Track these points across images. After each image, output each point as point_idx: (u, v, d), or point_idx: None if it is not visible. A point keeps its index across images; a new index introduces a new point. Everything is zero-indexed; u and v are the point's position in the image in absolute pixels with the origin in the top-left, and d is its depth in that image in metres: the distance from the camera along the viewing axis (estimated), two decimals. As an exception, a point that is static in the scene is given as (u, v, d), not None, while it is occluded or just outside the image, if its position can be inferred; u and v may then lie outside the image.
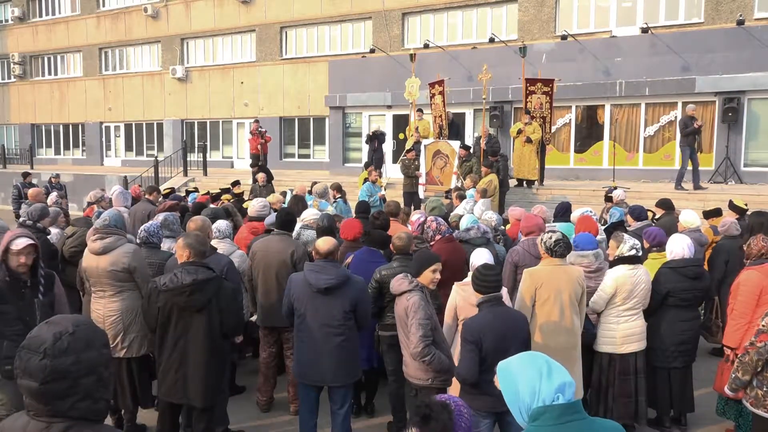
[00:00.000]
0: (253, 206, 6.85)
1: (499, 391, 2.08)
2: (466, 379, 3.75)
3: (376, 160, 15.46)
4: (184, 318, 4.15)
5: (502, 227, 7.13)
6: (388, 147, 18.34)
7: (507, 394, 2.03)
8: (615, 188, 10.13)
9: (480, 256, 4.57)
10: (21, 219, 6.46)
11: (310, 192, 10.09)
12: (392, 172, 15.41)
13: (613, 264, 5.04)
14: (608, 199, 9.36)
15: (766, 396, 3.87)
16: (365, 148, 16.80)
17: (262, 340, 5.58)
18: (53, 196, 8.96)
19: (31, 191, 9.14)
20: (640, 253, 4.95)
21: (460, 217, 6.85)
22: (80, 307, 5.46)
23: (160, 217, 6.02)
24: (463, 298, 4.43)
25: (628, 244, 4.93)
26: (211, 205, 8.00)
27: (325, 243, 4.49)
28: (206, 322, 4.13)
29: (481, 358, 3.70)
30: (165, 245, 5.69)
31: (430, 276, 4.21)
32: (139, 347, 4.91)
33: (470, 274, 4.56)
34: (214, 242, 5.52)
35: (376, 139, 15.72)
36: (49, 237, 6.49)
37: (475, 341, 3.68)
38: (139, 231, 5.40)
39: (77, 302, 5.51)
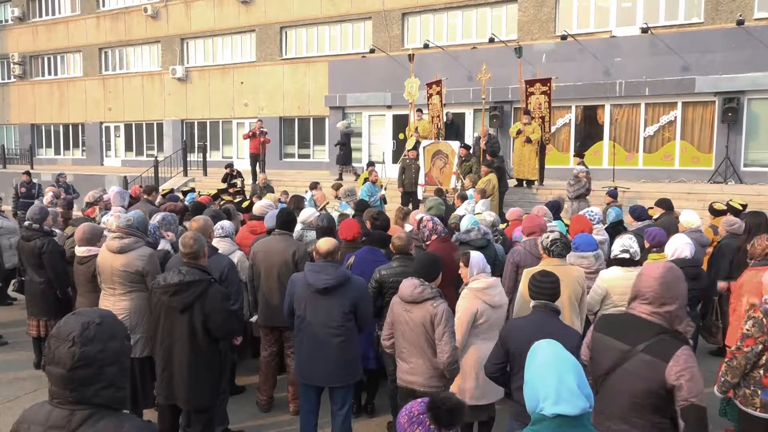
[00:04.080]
0: (260, 204, 6.90)
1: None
2: (485, 370, 3.83)
3: (344, 157, 16.34)
4: (170, 318, 4.17)
5: (500, 227, 7.13)
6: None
7: (526, 379, 2.04)
8: (615, 188, 10.13)
9: (474, 260, 4.50)
10: (27, 222, 6.48)
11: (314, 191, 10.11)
12: (392, 172, 15.42)
13: (609, 265, 5.05)
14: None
15: (753, 395, 3.93)
16: (335, 149, 17.59)
17: (262, 340, 5.58)
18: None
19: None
20: (631, 252, 4.87)
21: (461, 218, 6.84)
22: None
23: (158, 217, 6.02)
24: (484, 302, 4.33)
25: (617, 245, 4.93)
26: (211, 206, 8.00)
27: (325, 243, 4.49)
28: (188, 324, 4.11)
29: (510, 359, 3.70)
30: (160, 245, 5.71)
31: (440, 279, 4.17)
32: (143, 348, 4.92)
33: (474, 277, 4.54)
34: (215, 241, 5.55)
35: (346, 136, 16.46)
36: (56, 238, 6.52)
37: (503, 338, 3.72)
38: None
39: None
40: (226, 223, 5.90)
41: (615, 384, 2.86)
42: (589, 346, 3.10)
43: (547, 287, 3.73)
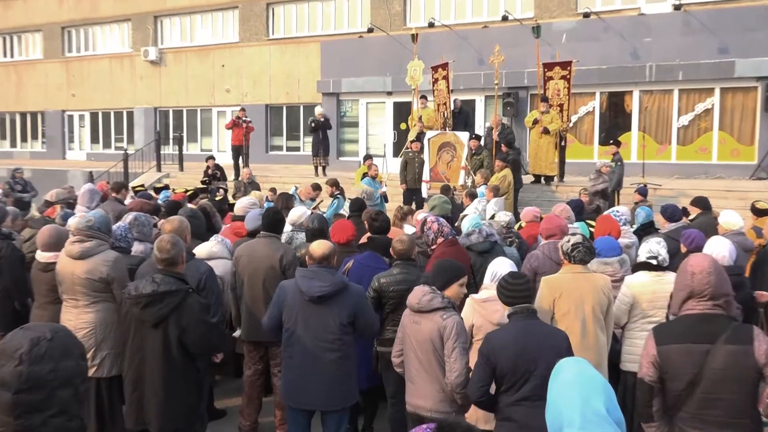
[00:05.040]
0: (242, 203, 6.90)
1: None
2: (469, 395, 3.75)
3: (323, 149, 16.30)
4: (141, 331, 4.15)
5: (515, 229, 7.12)
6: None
7: (549, 400, 2.05)
8: (645, 186, 10.14)
9: (501, 267, 4.43)
10: None
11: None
12: (393, 166, 15.43)
13: (634, 270, 5.04)
14: None
15: None
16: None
17: (246, 357, 5.56)
18: None
19: None
20: (659, 260, 4.83)
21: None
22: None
23: (129, 217, 6.01)
24: (482, 316, 4.32)
25: (644, 248, 4.92)
26: (188, 205, 8.00)
27: (319, 246, 4.47)
28: (162, 339, 4.09)
29: (497, 376, 3.65)
30: (134, 248, 5.70)
31: (457, 290, 4.10)
32: (111, 367, 4.88)
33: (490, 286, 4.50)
34: (212, 244, 5.57)
35: (320, 128, 16.23)
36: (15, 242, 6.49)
37: (486, 356, 3.64)
38: None
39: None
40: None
41: (706, 390, 3.05)
42: (656, 364, 3.18)
43: (521, 289, 3.77)
